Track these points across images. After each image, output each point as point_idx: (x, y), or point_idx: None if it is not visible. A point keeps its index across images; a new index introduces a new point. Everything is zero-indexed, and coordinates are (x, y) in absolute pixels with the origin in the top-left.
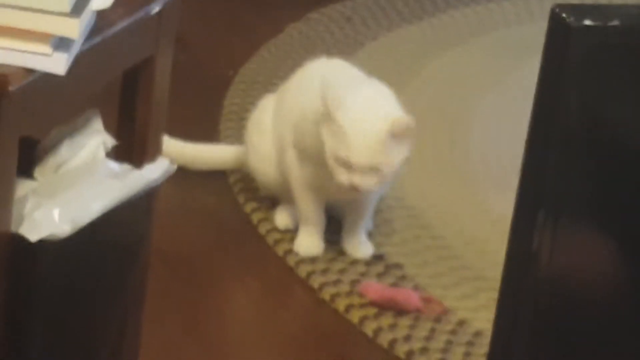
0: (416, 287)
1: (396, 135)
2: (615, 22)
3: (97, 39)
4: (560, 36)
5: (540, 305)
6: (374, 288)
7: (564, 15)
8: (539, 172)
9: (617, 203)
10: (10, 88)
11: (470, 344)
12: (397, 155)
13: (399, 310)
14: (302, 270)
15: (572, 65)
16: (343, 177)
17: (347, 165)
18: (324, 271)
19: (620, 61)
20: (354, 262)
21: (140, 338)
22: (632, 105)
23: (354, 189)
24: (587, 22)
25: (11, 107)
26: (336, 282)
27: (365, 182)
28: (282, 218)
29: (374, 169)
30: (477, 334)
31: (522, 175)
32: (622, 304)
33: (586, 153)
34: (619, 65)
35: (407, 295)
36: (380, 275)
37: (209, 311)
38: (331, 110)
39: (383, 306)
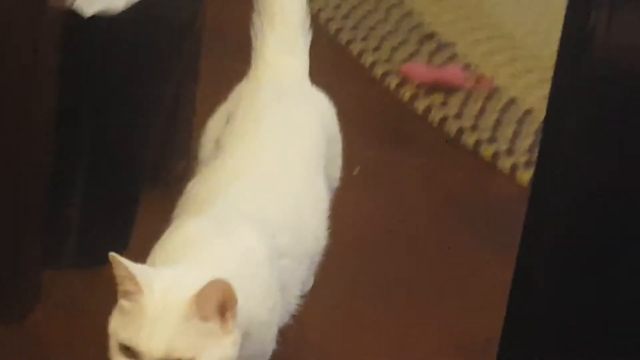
0: (467, 66)
1: (202, 308)
2: None
3: None
4: None
5: (594, 84)
6: (419, 72)
7: None
8: None
9: None
10: None
11: (520, 122)
12: (211, 344)
13: (447, 89)
14: (354, 49)
15: None
16: None
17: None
18: (375, 49)
19: None
20: (404, 41)
21: (194, 111)
22: None
23: None
24: None
25: None
26: (387, 61)
27: None
28: None
29: None
30: (528, 112)
31: None
32: None
33: None
34: None
35: (454, 74)
36: (431, 54)
37: None
38: (134, 278)
39: (430, 86)
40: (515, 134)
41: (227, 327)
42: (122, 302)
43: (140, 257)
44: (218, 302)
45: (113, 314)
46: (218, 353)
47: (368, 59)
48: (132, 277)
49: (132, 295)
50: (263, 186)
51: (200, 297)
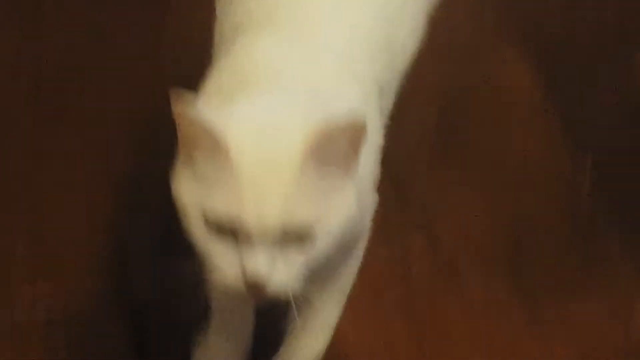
0: None
1: (323, 152)
2: None
3: None
4: None
5: None
6: None
7: None
8: None
9: None
10: None
11: None
12: (334, 198)
13: None
14: None
15: None
16: (230, 266)
17: (239, 237)
18: None
19: None
20: None
21: None
22: None
23: (255, 287)
24: None
25: None
26: None
27: (279, 270)
28: None
29: (294, 235)
30: None
31: None
32: None
33: None
34: None
35: None
36: None
37: None
38: (211, 131)
39: None
40: None
41: (350, 171)
42: (194, 163)
43: None
44: (348, 145)
45: (178, 178)
46: (344, 208)
47: None
48: (206, 132)
49: (208, 153)
50: None
51: (325, 139)
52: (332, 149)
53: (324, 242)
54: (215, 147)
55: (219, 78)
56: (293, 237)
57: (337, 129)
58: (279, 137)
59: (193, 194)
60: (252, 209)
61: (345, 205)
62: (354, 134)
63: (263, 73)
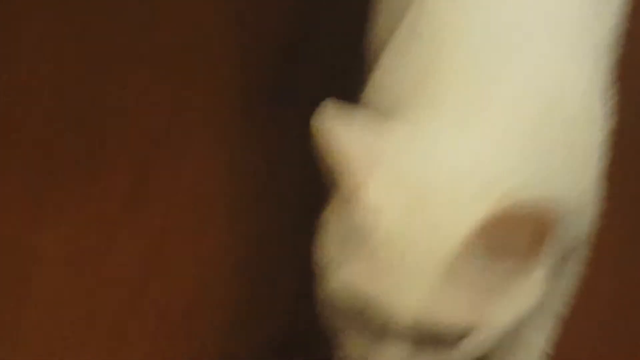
0: None
1: (495, 242)
2: None
3: None
4: None
5: None
6: None
7: None
8: None
9: None
10: None
11: None
12: (506, 288)
13: None
14: None
15: None
16: (358, 354)
17: (376, 329)
18: None
19: None
20: None
21: None
22: None
23: None
24: None
25: None
26: None
27: None
28: None
29: (441, 338)
30: None
31: None
32: None
33: None
34: None
35: None
36: None
37: None
38: (351, 183)
39: None
40: None
41: (530, 266)
42: (335, 212)
43: None
44: (528, 237)
45: (323, 223)
46: (514, 308)
47: None
48: (340, 165)
49: (345, 197)
50: None
51: (498, 229)
52: (507, 239)
53: (477, 345)
54: (349, 191)
55: (383, 73)
56: (434, 336)
57: (517, 218)
58: (443, 203)
59: (330, 250)
60: (384, 295)
61: (518, 306)
62: (540, 227)
63: (458, 65)
